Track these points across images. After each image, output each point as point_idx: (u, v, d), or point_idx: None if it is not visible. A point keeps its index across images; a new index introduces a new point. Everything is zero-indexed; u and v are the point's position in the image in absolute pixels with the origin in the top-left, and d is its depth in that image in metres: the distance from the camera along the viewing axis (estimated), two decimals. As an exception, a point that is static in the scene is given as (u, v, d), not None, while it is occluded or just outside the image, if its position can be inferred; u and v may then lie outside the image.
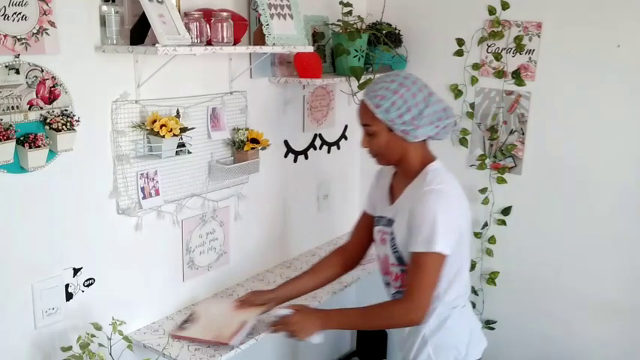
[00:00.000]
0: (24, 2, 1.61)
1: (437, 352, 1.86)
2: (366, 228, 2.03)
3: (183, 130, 2.02)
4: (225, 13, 2.00)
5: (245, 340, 1.96)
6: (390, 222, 1.87)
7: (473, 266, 2.86)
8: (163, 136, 1.93)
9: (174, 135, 1.96)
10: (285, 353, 2.86)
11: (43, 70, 1.68)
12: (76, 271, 1.88)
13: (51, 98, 1.71)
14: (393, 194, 1.92)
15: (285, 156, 2.68)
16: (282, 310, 1.88)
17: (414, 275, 1.77)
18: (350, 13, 2.64)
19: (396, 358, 3.17)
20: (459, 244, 1.79)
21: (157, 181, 2.05)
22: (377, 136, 1.81)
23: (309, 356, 3.04)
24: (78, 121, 1.76)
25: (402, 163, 1.85)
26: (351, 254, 2.10)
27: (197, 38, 1.91)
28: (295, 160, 2.73)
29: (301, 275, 2.10)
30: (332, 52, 2.70)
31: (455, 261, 1.81)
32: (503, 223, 2.79)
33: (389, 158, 1.86)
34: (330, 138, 2.93)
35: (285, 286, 2.07)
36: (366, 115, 1.80)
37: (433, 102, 1.77)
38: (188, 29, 1.86)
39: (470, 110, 2.79)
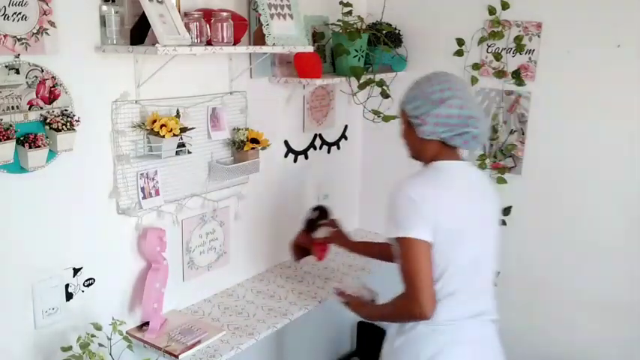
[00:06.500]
0: (24, 2, 1.61)
1: (395, 353, 1.83)
2: None
3: (183, 130, 2.02)
4: (225, 13, 2.00)
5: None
6: None
7: (473, 266, 2.86)
8: (163, 136, 1.93)
9: (174, 135, 1.96)
10: (284, 353, 2.86)
11: (43, 70, 1.68)
12: (76, 271, 1.88)
13: (51, 98, 1.71)
14: None
15: (285, 156, 2.68)
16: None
17: (400, 266, 1.75)
18: (350, 13, 2.64)
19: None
20: (440, 243, 1.70)
21: (157, 181, 2.05)
22: (401, 127, 1.88)
23: (309, 356, 3.04)
24: (78, 121, 1.76)
25: (419, 159, 1.88)
26: None
27: (197, 38, 1.91)
28: (295, 160, 2.74)
29: (370, 244, 2.39)
30: (332, 52, 2.70)
31: (434, 264, 1.72)
32: (503, 223, 2.78)
33: (410, 151, 1.90)
34: (330, 138, 2.93)
35: (357, 246, 2.39)
36: (400, 106, 1.88)
37: (450, 105, 1.73)
38: (188, 29, 1.86)
39: (470, 110, 2.79)
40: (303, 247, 2.48)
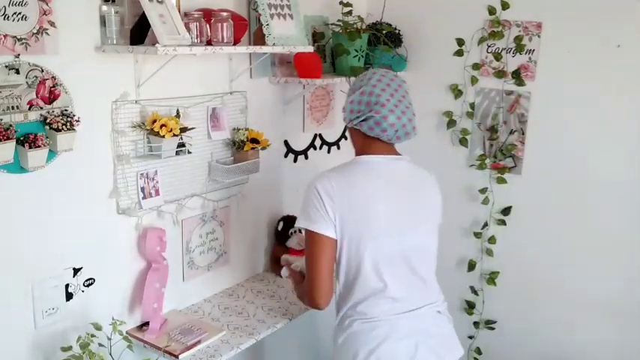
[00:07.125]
0: (24, 2, 1.61)
1: (338, 350, 1.86)
2: None
3: (183, 130, 2.02)
4: (225, 13, 2.00)
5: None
6: None
7: (473, 266, 2.87)
8: (163, 136, 1.93)
9: (174, 135, 1.96)
10: (286, 353, 2.86)
11: (43, 70, 1.68)
12: (76, 271, 1.88)
13: (51, 98, 1.71)
14: None
15: (285, 156, 2.68)
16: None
17: (305, 255, 1.85)
18: (350, 13, 2.64)
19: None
20: (351, 239, 1.75)
21: (157, 181, 2.05)
22: None
23: (308, 355, 3.04)
24: (78, 121, 1.76)
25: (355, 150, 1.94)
26: None
27: (197, 38, 1.91)
28: (295, 160, 2.74)
29: None
30: (332, 52, 2.70)
31: (349, 260, 1.78)
32: (503, 223, 2.79)
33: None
34: (330, 138, 2.93)
35: None
36: None
37: (363, 92, 1.81)
38: (188, 29, 1.86)
39: (470, 110, 2.79)
40: (279, 259, 2.50)
